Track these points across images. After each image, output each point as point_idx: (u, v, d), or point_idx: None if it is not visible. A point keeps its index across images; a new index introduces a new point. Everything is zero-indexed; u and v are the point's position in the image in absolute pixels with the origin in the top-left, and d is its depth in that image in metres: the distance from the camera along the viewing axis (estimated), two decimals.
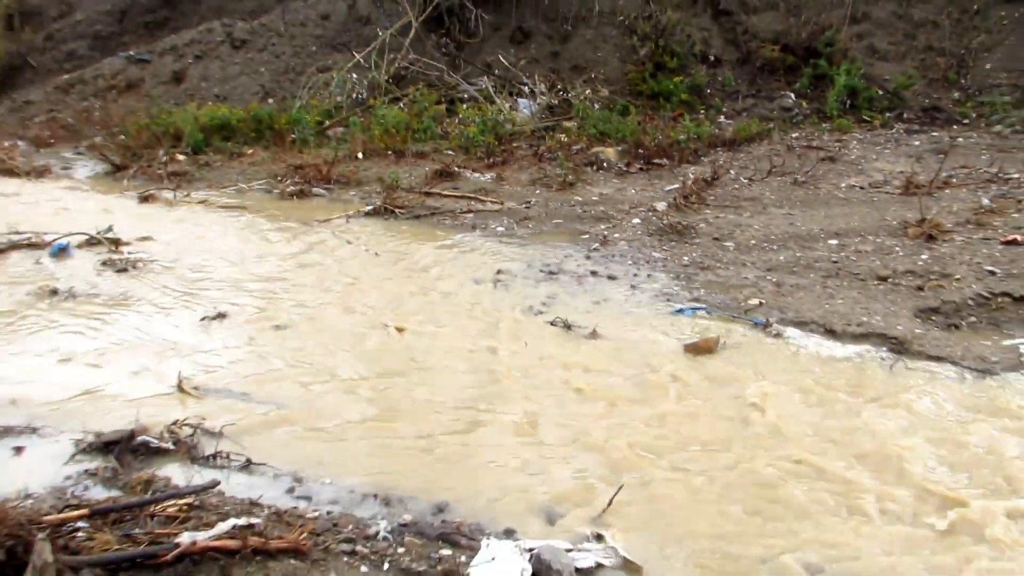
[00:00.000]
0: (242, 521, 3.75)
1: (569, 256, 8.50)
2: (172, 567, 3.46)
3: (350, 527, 4.21)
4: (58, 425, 5.26)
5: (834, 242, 8.35)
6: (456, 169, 11.96)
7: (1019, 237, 7.98)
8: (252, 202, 11.22)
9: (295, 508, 4.40)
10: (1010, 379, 5.78)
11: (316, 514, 4.33)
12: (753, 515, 4.47)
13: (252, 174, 12.69)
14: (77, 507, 3.83)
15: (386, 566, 3.91)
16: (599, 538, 4.26)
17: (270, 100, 16.23)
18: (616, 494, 4.53)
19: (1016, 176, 10.12)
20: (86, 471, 4.69)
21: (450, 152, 12.99)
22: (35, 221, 10.01)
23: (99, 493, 4.42)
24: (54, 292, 7.70)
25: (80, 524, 3.56)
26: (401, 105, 14.71)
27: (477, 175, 11.86)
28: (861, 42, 14.69)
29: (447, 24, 16.53)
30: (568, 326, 6.81)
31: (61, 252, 8.87)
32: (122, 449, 4.82)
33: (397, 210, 10.26)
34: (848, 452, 5.00)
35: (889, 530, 4.35)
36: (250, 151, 13.97)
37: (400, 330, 6.85)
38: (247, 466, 4.82)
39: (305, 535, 3.83)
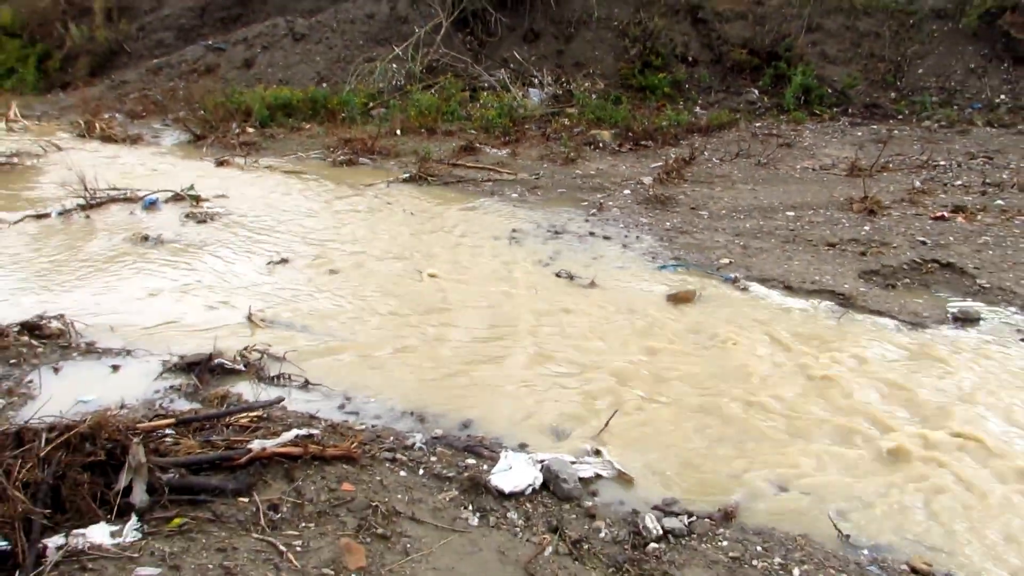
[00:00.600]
0: (303, 431, 3.65)
1: (572, 219, 8.31)
2: (244, 469, 3.36)
3: (391, 438, 4.11)
4: (149, 348, 5.15)
5: (791, 214, 8.16)
6: (478, 145, 11.71)
7: (945, 214, 7.78)
8: (309, 168, 11.00)
9: (346, 421, 4.30)
10: (938, 331, 5.65)
11: (363, 427, 4.23)
12: (726, 438, 4.37)
13: (309, 145, 12.46)
14: (165, 417, 3.72)
15: (421, 471, 3.82)
16: (598, 453, 4.16)
17: (324, 84, 15.90)
18: (611, 417, 4.42)
19: (943, 163, 9.87)
20: (172, 387, 4.59)
21: (473, 131, 12.72)
22: (130, 180, 9.83)
23: (183, 405, 4.32)
24: (145, 238, 7.56)
25: (168, 431, 3.45)
26: (433, 91, 14.40)
27: (495, 151, 11.61)
28: (815, 48, 14.30)
29: (472, 24, 16.15)
30: (571, 276, 6.66)
31: (151, 206, 8.71)
32: (202, 369, 4.71)
33: (429, 178, 10.06)
34: (804, 388, 4.88)
35: (841, 452, 4.25)
36: (308, 126, 13.71)
37: (432, 276, 6.71)
38: (305, 385, 4.72)
39: (355, 444, 3.72)
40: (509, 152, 11.45)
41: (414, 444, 4.08)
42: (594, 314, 5.95)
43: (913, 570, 3.37)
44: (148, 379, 4.71)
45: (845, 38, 14.41)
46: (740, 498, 3.83)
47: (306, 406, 4.43)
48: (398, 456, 3.92)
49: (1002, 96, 12.73)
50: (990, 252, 6.85)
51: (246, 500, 3.23)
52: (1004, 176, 9.19)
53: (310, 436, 3.63)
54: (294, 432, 3.61)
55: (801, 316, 5.92)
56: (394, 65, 15.27)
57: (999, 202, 8.22)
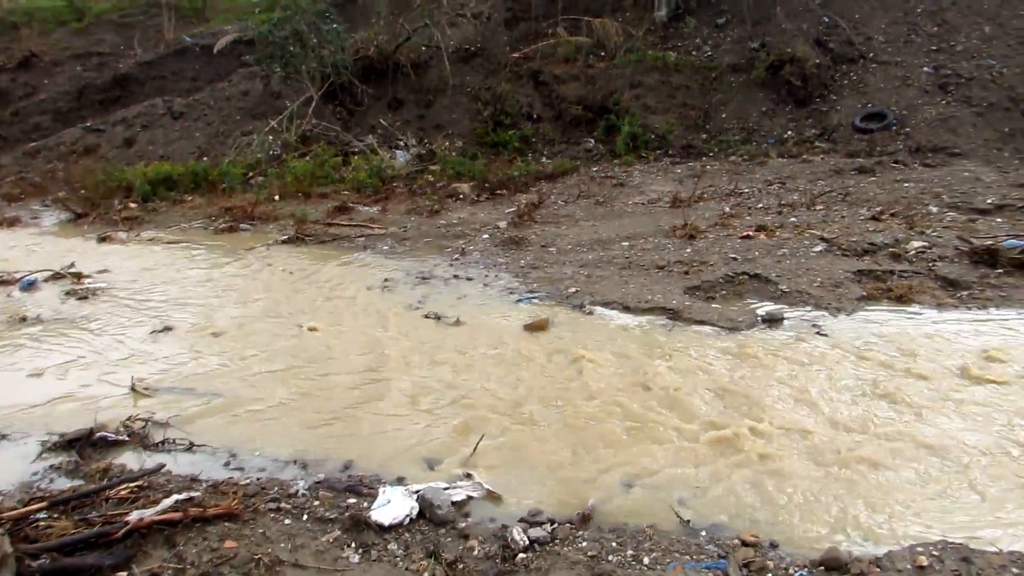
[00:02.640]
0: (183, 496, 3.40)
1: (437, 265, 8.28)
2: (122, 543, 3.09)
3: (276, 489, 3.90)
4: (27, 429, 4.69)
5: (626, 243, 8.42)
6: (351, 205, 11.52)
7: (751, 232, 8.24)
8: (192, 238, 10.47)
9: (230, 478, 4.05)
10: (751, 332, 5.94)
11: (248, 481, 3.99)
12: (581, 448, 4.40)
13: (192, 216, 11.87)
14: (40, 499, 3.37)
15: (304, 517, 3.64)
16: (469, 476, 4.11)
17: (205, 158, 15.25)
18: (479, 442, 4.39)
19: (747, 191, 10.47)
20: (51, 466, 4.18)
21: (346, 192, 12.50)
22: (7, 263, 9.05)
23: (63, 484, 3.93)
24: (23, 319, 6.95)
25: (41, 515, 3.13)
26: (307, 158, 14.06)
27: (367, 208, 11.44)
28: (638, 101, 14.94)
29: (340, 96, 15.95)
30: (439, 317, 6.60)
31: (30, 286, 8.03)
32: (83, 444, 4.34)
33: (306, 238, 9.79)
34: (645, 394, 5.00)
35: (679, 447, 4.37)
36: (190, 198, 13.07)
37: (312, 329, 6.49)
38: (190, 448, 4.42)
39: (237, 500, 3.51)
40: (379, 209, 11.32)
41: (297, 491, 3.90)
42: (461, 349, 5.91)
43: (743, 543, 3.49)
44: (26, 461, 4.27)
45: (662, 91, 15.11)
46: (595, 501, 3.86)
47: (190, 468, 4.15)
48: (282, 505, 3.73)
49: (789, 132, 13.70)
50: (788, 262, 7.29)
51: (124, 574, 2.96)
52: (795, 197, 9.85)
53: (191, 499, 3.39)
54: (174, 498, 3.37)
55: (639, 331, 6.09)
56: (270, 137, 14.87)
57: (792, 219, 8.80)
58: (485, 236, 9.32)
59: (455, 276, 7.80)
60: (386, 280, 7.79)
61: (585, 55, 15.69)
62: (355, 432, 4.71)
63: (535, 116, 15.39)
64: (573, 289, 7.09)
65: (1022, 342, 5.52)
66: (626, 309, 6.53)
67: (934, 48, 14.01)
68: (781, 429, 4.49)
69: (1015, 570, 3.03)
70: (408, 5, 17.05)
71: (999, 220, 8.46)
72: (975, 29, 14.24)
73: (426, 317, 6.64)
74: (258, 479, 4.05)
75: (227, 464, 4.27)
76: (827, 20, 14.65)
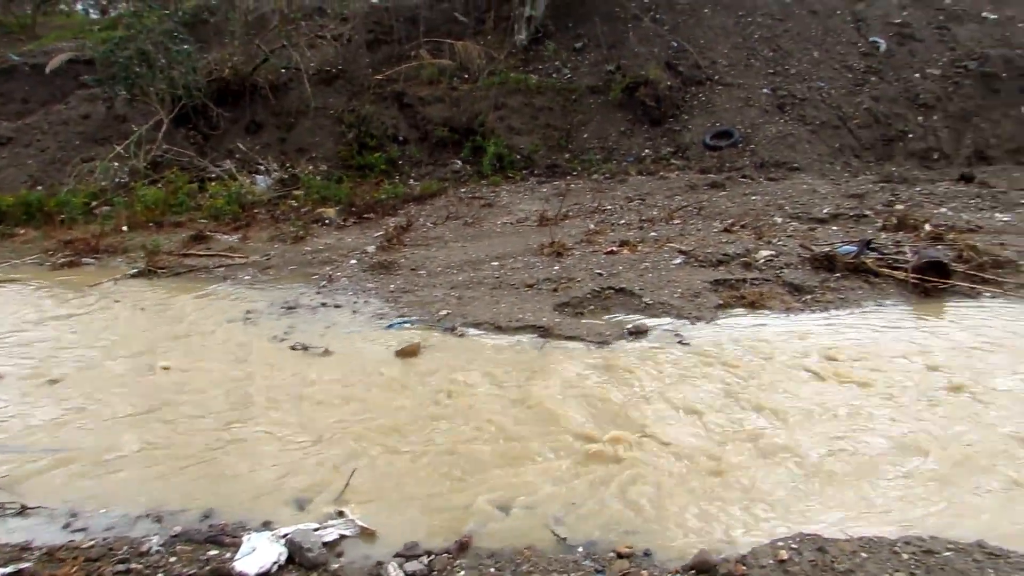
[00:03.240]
0: (10, 569, 3.03)
1: (304, 293, 7.98)
2: None
3: (124, 548, 3.57)
4: None
5: (496, 263, 8.48)
6: (208, 233, 10.91)
7: (614, 248, 8.53)
8: (25, 275, 9.53)
9: (71, 542, 3.66)
10: (618, 345, 6.10)
11: (91, 543, 3.63)
12: (455, 474, 4.33)
13: (24, 251, 10.81)
14: None
15: None
16: (341, 514, 3.94)
17: (39, 187, 13.98)
18: (351, 476, 4.22)
19: (610, 208, 10.86)
20: None
21: (203, 220, 11.84)
22: None
23: None
24: None
25: None
26: (159, 185, 13.25)
27: (226, 237, 10.90)
28: (503, 123, 15.19)
29: (194, 120, 15.19)
30: (306, 348, 6.35)
31: None
32: None
33: (159, 271, 9.16)
34: (517, 413, 5.01)
35: (553, 464, 4.39)
36: (22, 231, 11.89)
37: (166, 368, 6.05)
38: (21, 512, 3.96)
39: (77, 567, 3.17)
40: (240, 237, 10.81)
41: (150, 548, 3.58)
42: (330, 380, 5.70)
43: (618, 555, 3.53)
44: None
45: (526, 113, 15.45)
46: (473, 527, 3.80)
47: (22, 535, 3.72)
48: (132, 566, 3.42)
49: (647, 150, 14.38)
50: (650, 275, 7.59)
51: None
52: (654, 213, 10.32)
53: (20, 572, 3.02)
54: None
55: (510, 351, 6.12)
56: (116, 163, 13.86)
57: (653, 234, 9.19)
58: (353, 261, 9.10)
59: (323, 304, 7.54)
60: (248, 312, 7.42)
61: (449, 77, 15.79)
62: (216, 477, 4.41)
63: (401, 138, 15.30)
64: (444, 311, 7.04)
65: (858, 340, 6.00)
66: (498, 329, 6.55)
67: (771, 71, 15.18)
68: (650, 438, 4.62)
69: (864, 554, 3.24)
70: (264, 26, 16.54)
71: (834, 228, 9.23)
72: (805, 54, 15.56)
73: (292, 349, 6.37)
74: (104, 539, 3.69)
75: (67, 526, 3.86)
76: (676, 45, 15.54)
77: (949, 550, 3.26)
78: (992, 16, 16.61)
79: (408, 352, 6.10)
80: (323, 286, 8.17)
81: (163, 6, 16.12)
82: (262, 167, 14.29)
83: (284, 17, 16.29)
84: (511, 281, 7.77)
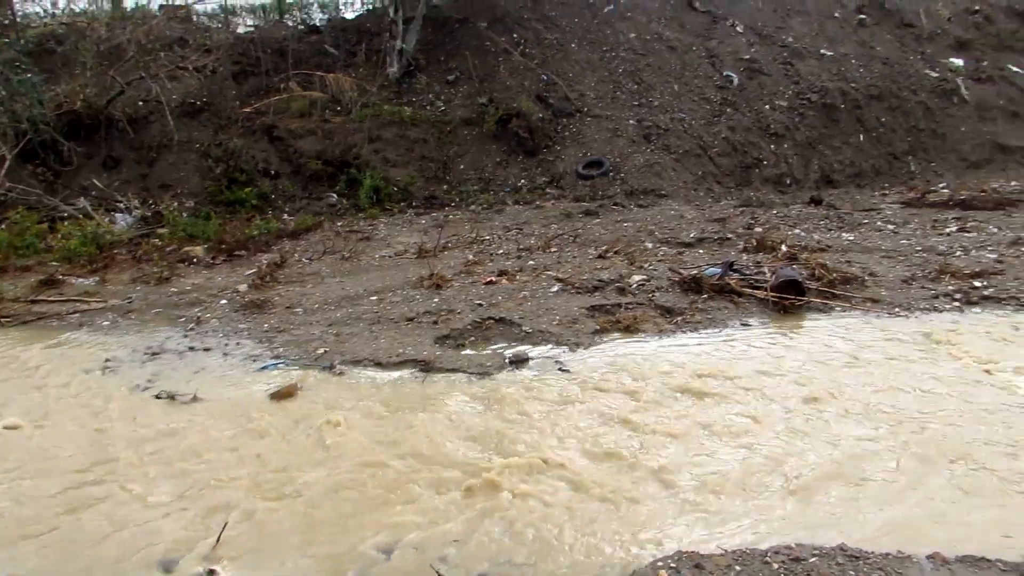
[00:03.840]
0: None
1: (169, 337, 7.53)
2: None
3: None
4: None
5: (375, 298, 8.35)
6: (61, 277, 10.10)
7: (493, 278, 8.61)
8: None
9: None
10: (500, 375, 6.14)
11: None
12: (338, 518, 4.19)
13: None
14: None
15: None
16: (212, 573, 3.71)
17: None
18: (223, 530, 3.99)
19: (488, 238, 10.97)
20: None
21: (54, 263, 10.98)
22: None
23: None
24: None
25: None
26: (2, 227, 12.20)
27: (82, 280, 10.13)
28: (378, 155, 15.10)
29: (42, 155, 14.13)
30: (172, 396, 5.98)
31: None
32: None
33: (4, 320, 8.39)
34: (399, 452, 4.92)
35: (438, 501, 4.33)
36: None
37: (12, 428, 5.52)
38: None
39: None
40: (98, 280, 10.09)
41: None
42: (199, 429, 5.39)
43: None
44: None
45: (401, 145, 15.43)
46: (355, 574, 3.68)
47: None
48: None
49: (522, 180, 14.69)
50: (529, 304, 7.70)
51: None
52: (531, 241, 10.52)
53: None
54: None
55: (392, 387, 6.02)
56: None
57: (531, 263, 9.36)
58: (224, 302, 8.69)
59: (190, 348, 7.15)
60: (108, 360, 6.91)
61: (321, 110, 15.56)
62: (73, 543, 4.06)
63: (273, 172, 14.87)
64: (322, 350, 6.84)
65: (725, 358, 6.33)
66: (378, 365, 6.43)
67: (636, 103, 15.94)
68: (534, 467, 4.65)
69: (738, 567, 3.39)
70: (120, 56, 15.68)
71: (701, 251, 9.74)
72: (667, 87, 16.47)
73: (157, 397, 5.98)
74: None
75: None
76: (545, 78, 16.04)
77: (815, 556, 3.46)
78: (829, 53, 18.25)
79: (284, 394, 5.87)
80: (191, 329, 7.75)
81: (2, 34, 15.01)
82: (122, 204, 13.46)
83: (141, 47, 15.52)
84: (391, 315, 7.67)
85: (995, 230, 10.76)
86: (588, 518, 4.08)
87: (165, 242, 11.96)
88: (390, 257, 10.35)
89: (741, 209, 12.85)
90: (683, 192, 13.91)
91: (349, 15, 19.75)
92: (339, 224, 12.92)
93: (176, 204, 13.72)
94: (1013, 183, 16.12)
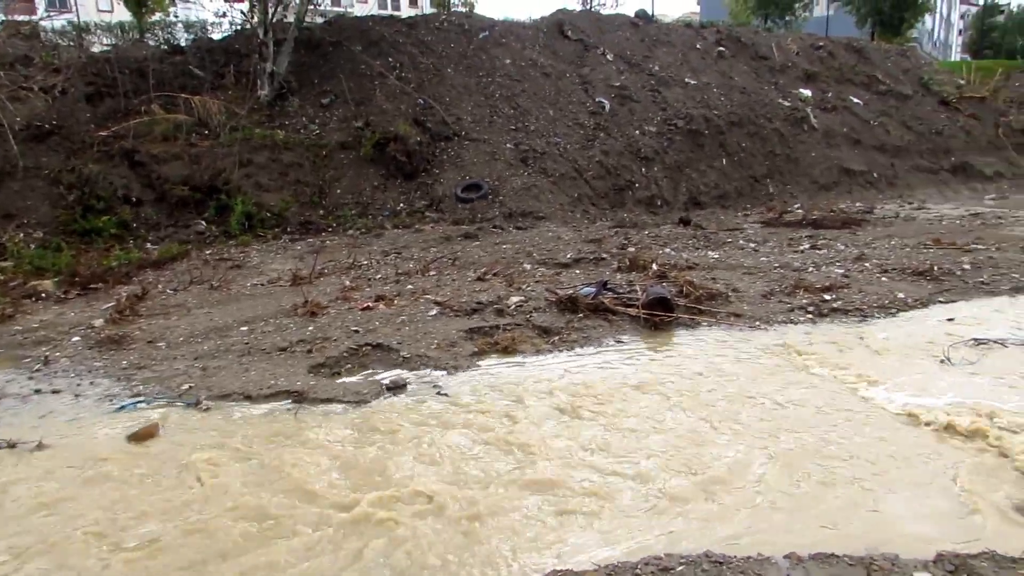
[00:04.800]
0: None
1: (12, 380, 6.90)
2: None
3: None
4: None
5: (245, 328, 8.02)
6: None
7: (370, 303, 8.49)
8: None
9: None
10: (377, 402, 6.03)
11: None
12: (203, 566, 3.96)
13: None
14: None
15: None
16: None
17: None
18: None
19: (365, 263, 10.82)
20: None
21: None
22: None
23: None
24: None
25: None
26: None
27: None
28: (250, 180, 14.62)
29: None
30: (12, 444, 5.47)
31: None
32: None
33: None
34: (271, 486, 4.73)
35: (310, 539, 4.18)
36: None
37: None
38: None
39: None
40: None
41: None
42: (45, 478, 4.96)
43: None
44: None
45: (274, 169, 15.02)
46: None
47: None
48: None
49: (401, 204, 14.64)
50: (407, 328, 7.64)
51: None
52: (410, 265, 10.47)
53: None
54: None
55: (262, 420, 5.78)
56: None
57: (409, 287, 9.31)
58: (76, 338, 8.08)
59: (36, 391, 6.58)
60: None
61: (187, 133, 14.92)
62: None
63: (135, 199, 14.08)
64: (187, 385, 6.49)
65: (600, 375, 6.52)
66: (248, 398, 6.17)
67: (513, 128, 16.29)
68: (410, 495, 4.59)
69: None
70: None
71: (577, 272, 10.01)
72: (542, 112, 16.92)
73: None
74: None
75: None
76: (422, 102, 16.12)
77: (682, 564, 3.60)
78: (693, 82, 19.39)
79: (143, 435, 5.51)
80: (37, 370, 7.14)
81: None
82: None
83: None
84: (262, 346, 7.39)
85: (842, 247, 11.71)
86: (463, 542, 4.06)
87: (8, 276, 11.02)
88: (263, 285, 10.00)
89: (615, 230, 13.34)
90: (560, 214, 14.30)
91: (216, 36, 19.13)
92: (208, 252, 12.37)
93: (22, 235, 12.70)
94: (857, 203, 17.66)
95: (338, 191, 14.87)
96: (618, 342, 7.39)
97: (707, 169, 17.26)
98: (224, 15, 19.44)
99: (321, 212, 14.39)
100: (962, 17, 76.04)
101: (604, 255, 10.90)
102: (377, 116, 15.75)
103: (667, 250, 11.64)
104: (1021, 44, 45.82)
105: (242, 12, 18.30)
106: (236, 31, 18.86)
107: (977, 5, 63.71)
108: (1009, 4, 61.58)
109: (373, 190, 14.88)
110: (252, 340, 7.60)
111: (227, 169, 14.44)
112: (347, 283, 9.63)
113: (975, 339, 7.20)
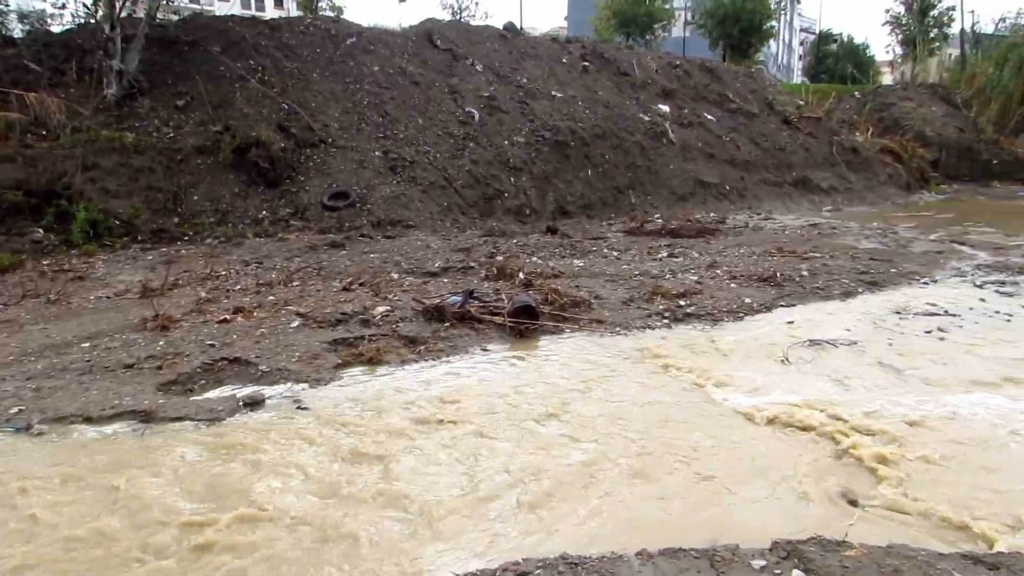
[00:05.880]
0: None
1: None
2: None
3: None
4: None
5: (87, 344, 7.44)
6: None
7: (228, 316, 8.12)
8: None
9: None
10: (233, 419, 5.77)
11: None
12: None
13: None
14: None
15: None
16: None
17: None
18: None
19: (224, 273, 10.33)
20: None
21: None
22: None
23: None
24: None
25: None
26: None
27: None
28: (95, 185, 13.58)
29: None
30: None
31: None
32: None
33: None
34: (113, 513, 4.40)
35: (156, 568, 3.93)
36: None
37: None
38: None
39: None
40: None
41: None
42: None
43: None
44: None
45: (123, 174, 14.05)
46: None
47: None
48: None
49: (264, 212, 14.09)
50: (267, 341, 7.36)
51: None
52: (272, 276, 10.09)
53: None
54: None
55: (103, 444, 5.37)
56: None
57: (271, 298, 8.97)
58: None
59: None
60: None
61: (20, 133, 13.70)
62: None
63: None
64: (16, 409, 5.92)
65: (465, 384, 6.55)
66: (88, 420, 5.71)
67: (381, 135, 16.11)
68: (267, 515, 4.41)
69: None
70: None
71: (445, 280, 10.02)
72: (411, 120, 16.86)
73: None
74: None
75: None
76: (286, 107, 15.63)
77: (539, 568, 3.66)
78: (559, 95, 19.94)
79: None
80: None
81: None
82: None
83: None
84: (106, 363, 6.88)
85: (697, 255, 12.40)
86: (320, 561, 3.95)
87: None
88: (108, 298, 9.32)
89: (484, 239, 13.47)
90: (430, 223, 14.26)
91: (56, 28, 17.72)
92: (45, 263, 11.40)
93: None
94: (711, 214, 18.76)
95: (195, 198, 14.11)
96: (484, 350, 7.45)
97: (573, 179, 17.78)
98: (64, 6, 18.06)
99: (176, 220, 13.60)
100: (801, 44, 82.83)
101: (472, 264, 10.97)
102: (238, 120, 15.10)
103: (534, 259, 11.88)
104: (850, 71, 50.42)
105: (85, 5, 17.08)
106: (79, 24, 17.55)
107: (814, 33, 69.60)
108: (841, 34, 67.69)
109: (233, 197, 14.23)
110: (95, 357, 7.05)
111: (69, 172, 13.36)
112: (203, 295, 9.15)
113: (811, 340, 7.82)
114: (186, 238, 12.99)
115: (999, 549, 3.99)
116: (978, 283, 10.72)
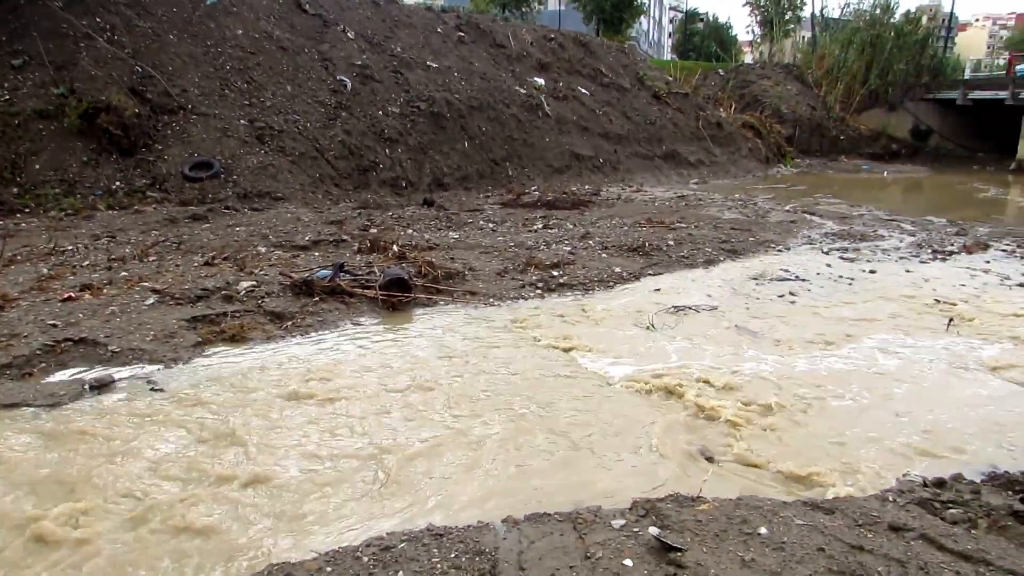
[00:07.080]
0: None
1: None
2: None
3: None
4: None
5: None
6: None
7: (74, 294, 7.48)
8: None
9: None
10: (78, 404, 5.34)
11: None
12: None
13: None
14: None
15: None
16: None
17: None
18: None
19: (70, 248, 9.50)
20: None
21: None
22: None
23: None
24: None
25: None
26: None
27: None
28: None
29: None
30: None
31: None
32: None
33: None
34: None
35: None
36: None
37: None
38: None
39: None
40: None
41: None
42: None
43: None
44: None
45: None
46: None
47: None
48: None
49: (118, 183, 13.05)
50: (118, 320, 6.84)
51: None
52: (126, 251, 9.39)
53: None
54: None
55: None
56: None
57: (123, 274, 8.34)
58: None
59: None
60: None
61: None
62: None
63: None
64: None
65: (334, 358, 6.37)
66: None
67: (247, 103, 15.28)
68: (112, 504, 4.11)
69: (329, 568, 3.36)
70: None
71: (316, 254, 9.69)
72: (279, 88, 16.08)
73: None
74: None
75: None
76: (140, 70, 14.51)
77: (404, 541, 3.59)
78: (435, 65, 19.62)
79: None
80: None
81: None
82: None
83: None
84: None
85: (571, 227, 12.62)
86: (171, 551, 3.73)
87: None
88: None
89: (358, 211, 13.13)
90: (300, 195, 13.72)
91: None
92: None
93: None
94: (586, 186, 19.16)
95: (36, 167, 12.86)
96: (355, 325, 7.27)
97: (450, 151, 17.61)
98: None
99: (15, 191, 12.36)
100: (671, 21, 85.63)
101: (345, 237, 10.66)
102: (84, 83, 13.83)
103: (410, 231, 11.70)
104: (715, 49, 52.69)
105: None
106: None
107: (682, 12, 72.05)
108: (707, 13, 70.58)
109: (82, 166, 13.08)
110: None
111: None
112: (45, 271, 8.36)
113: (675, 306, 8.14)
114: (27, 210, 11.84)
115: (833, 495, 4.32)
116: (825, 250, 11.54)
